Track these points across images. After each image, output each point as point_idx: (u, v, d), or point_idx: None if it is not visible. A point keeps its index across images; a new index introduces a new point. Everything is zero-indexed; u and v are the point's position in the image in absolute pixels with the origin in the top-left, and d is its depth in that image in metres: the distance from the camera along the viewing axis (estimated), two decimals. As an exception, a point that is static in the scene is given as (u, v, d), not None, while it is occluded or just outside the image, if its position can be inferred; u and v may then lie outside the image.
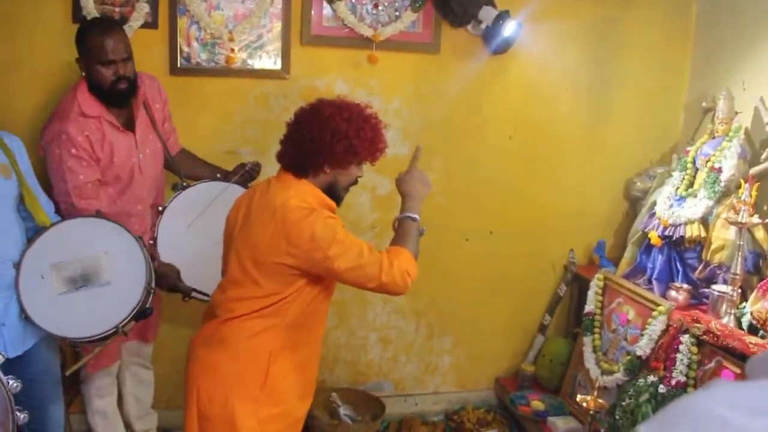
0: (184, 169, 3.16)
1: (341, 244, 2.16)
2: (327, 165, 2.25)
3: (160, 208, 3.03)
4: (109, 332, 2.59)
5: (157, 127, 3.07)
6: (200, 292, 2.91)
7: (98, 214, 2.79)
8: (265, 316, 2.23)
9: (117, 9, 3.28)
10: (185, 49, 3.43)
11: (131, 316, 2.60)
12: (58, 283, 2.54)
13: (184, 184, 3.10)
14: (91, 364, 3.06)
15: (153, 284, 2.69)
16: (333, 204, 2.32)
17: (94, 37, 2.79)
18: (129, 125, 2.97)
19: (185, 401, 2.30)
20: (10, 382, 2.15)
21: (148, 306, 2.68)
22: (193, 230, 3.02)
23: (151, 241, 2.98)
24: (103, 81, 2.81)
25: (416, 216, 2.44)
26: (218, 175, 3.13)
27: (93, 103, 2.84)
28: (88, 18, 3.17)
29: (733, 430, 0.74)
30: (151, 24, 3.34)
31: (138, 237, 2.66)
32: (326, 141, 2.21)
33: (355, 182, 2.40)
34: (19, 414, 2.16)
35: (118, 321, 2.58)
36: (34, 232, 2.57)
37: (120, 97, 2.88)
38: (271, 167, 2.74)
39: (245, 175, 3.11)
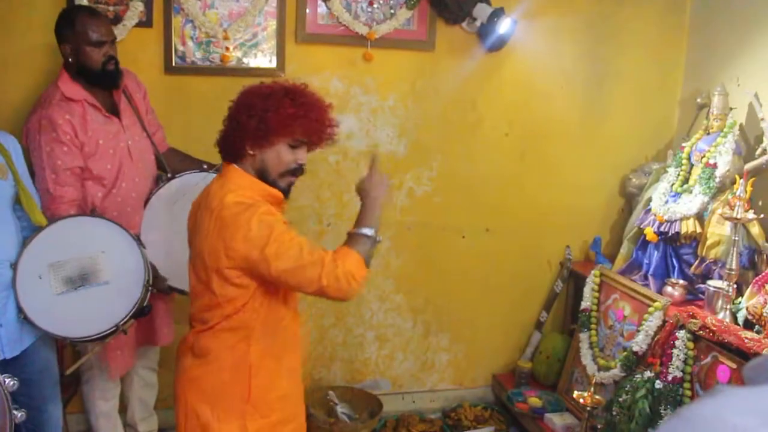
0: (171, 165, 3.13)
1: (278, 243, 2.02)
2: (248, 145, 2.12)
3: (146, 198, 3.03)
4: (109, 331, 2.59)
5: (141, 117, 3.04)
6: (178, 290, 2.93)
7: (94, 213, 2.79)
8: (233, 327, 2.14)
9: (111, 8, 3.28)
10: (180, 47, 3.42)
11: (131, 314, 2.61)
12: (57, 282, 2.54)
13: (169, 175, 3.08)
14: (113, 371, 3.04)
15: (151, 282, 2.69)
16: (277, 194, 2.18)
17: (84, 19, 2.80)
18: (113, 111, 2.95)
19: (176, 412, 2.25)
20: (7, 380, 2.14)
21: (146, 304, 2.68)
22: (176, 221, 2.94)
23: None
24: (93, 62, 2.81)
25: (369, 233, 2.19)
26: (204, 166, 3.09)
27: (76, 88, 2.83)
28: None
29: None
30: (145, 23, 3.34)
31: (136, 236, 2.66)
32: (240, 118, 2.11)
33: (298, 170, 2.20)
34: (16, 413, 2.16)
35: (117, 320, 2.59)
36: (29, 232, 2.56)
37: (110, 77, 2.88)
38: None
39: None
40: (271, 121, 2.08)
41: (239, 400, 2.17)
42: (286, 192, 2.21)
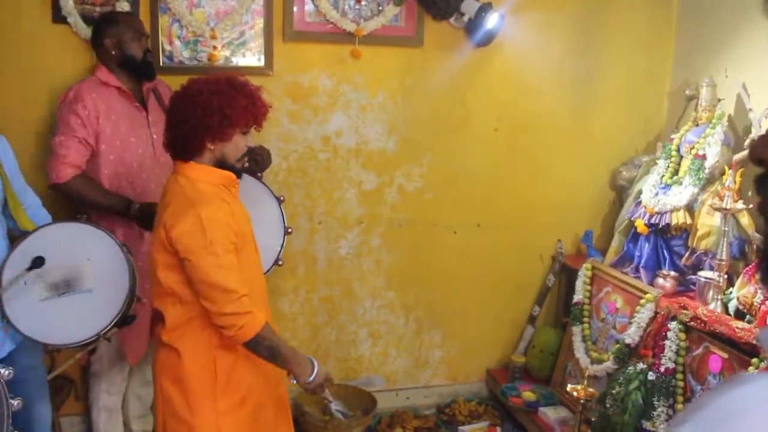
0: None
1: (204, 250, 2.11)
2: (208, 141, 2.20)
3: None
4: (90, 339, 2.58)
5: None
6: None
7: (82, 219, 2.79)
8: (192, 316, 2.22)
9: (97, 8, 3.28)
10: (167, 47, 3.42)
11: (113, 323, 2.59)
12: (41, 288, 2.52)
13: None
14: (130, 356, 3.12)
15: (136, 291, 2.67)
16: (231, 176, 2.29)
17: (127, 17, 3.11)
18: (142, 104, 3.13)
19: (154, 396, 2.33)
20: (2, 370, 2.15)
21: (130, 314, 2.66)
22: None
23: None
24: (135, 52, 3.04)
25: (315, 365, 2.35)
26: None
27: (111, 76, 3.04)
28: (68, 17, 3.22)
29: None
30: (132, 22, 3.33)
31: (122, 243, 2.66)
32: (199, 117, 2.16)
33: (248, 152, 2.33)
34: (12, 401, 2.17)
35: (99, 328, 2.57)
36: (18, 233, 2.55)
37: (149, 68, 3.10)
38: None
39: (255, 164, 3.09)
40: (233, 115, 2.18)
41: (208, 383, 2.24)
42: (241, 173, 2.34)
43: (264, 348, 2.22)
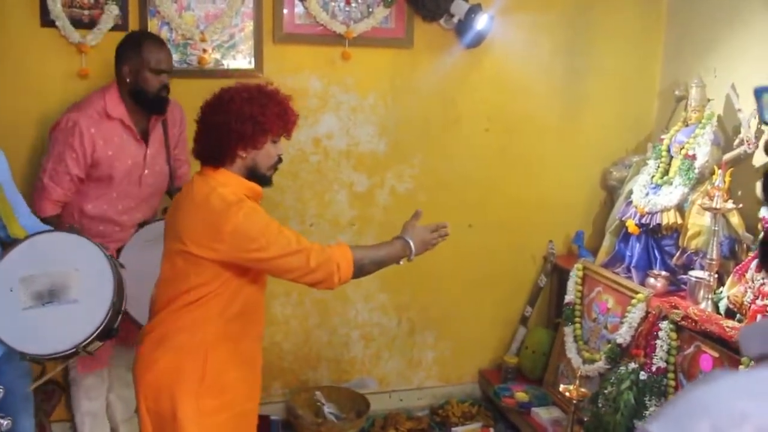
0: None
1: (266, 235, 2.17)
2: (240, 148, 2.23)
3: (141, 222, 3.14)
4: (71, 351, 2.53)
5: (169, 149, 3.16)
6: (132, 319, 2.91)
7: (72, 229, 2.79)
8: (196, 309, 2.24)
9: (86, 12, 3.28)
10: (157, 50, 3.41)
11: (94, 336, 2.53)
12: (25, 297, 2.47)
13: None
14: (82, 365, 3.10)
15: (123, 305, 2.63)
16: (258, 188, 2.32)
17: (152, 47, 3.01)
18: (144, 137, 3.10)
19: (136, 398, 2.32)
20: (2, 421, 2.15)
21: (115, 327, 2.61)
22: (154, 257, 2.97)
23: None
24: (151, 88, 2.99)
25: (410, 242, 2.40)
26: None
27: (119, 106, 3.01)
28: (56, 21, 3.21)
29: (755, 421, 0.72)
30: (121, 26, 3.32)
31: (110, 256, 2.63)
32: (233, 125, 2.19)
33: (279, 161, 2.36)
34: (2, 420, 2.16)
35: (80, 340, 2.51)
36: (8, 241, 2.53)
37: (160, 104, 3.05)
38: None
39: None
40: (267, 124, 2.21)
41: (194, 381, 2.24)
42: (270, 181, 2.35)
43: (369, 266, 2.32)
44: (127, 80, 2.99)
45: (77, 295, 2.53)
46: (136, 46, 2.99)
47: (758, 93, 2.67)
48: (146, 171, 3.09)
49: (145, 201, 3.17)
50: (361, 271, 2.30)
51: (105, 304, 2.55)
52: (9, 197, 2.54)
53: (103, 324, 2.53)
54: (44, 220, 2.84)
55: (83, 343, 2.51)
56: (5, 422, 2.19)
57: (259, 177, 2.30)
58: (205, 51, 3.47)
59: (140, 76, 2.97)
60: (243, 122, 2.19)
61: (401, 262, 2.43)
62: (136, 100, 3.02)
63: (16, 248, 2.48)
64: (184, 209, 2.26)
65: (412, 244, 2.40)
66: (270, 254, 2.17)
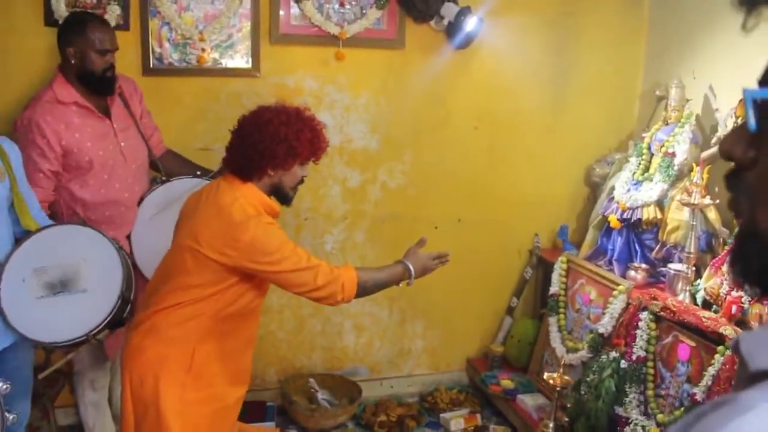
0: (167, 168, 3.25)
1: (281, 251, 2.27)
2: (270, 168, 2.33)
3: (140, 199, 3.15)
4: (81, 339, 2.61)
5: (136, 120, 3.15)
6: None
7: (82, 221, 2.85)
8: (191, 306, 2.31)
9: (77, 10, 3.29)
10: (157, 49, 3.49)
11: (103, 325, 2.61)
12: (38, 287, 2.55)
13: (163, 178, 3.20)
14: (108, 349, 3.13)
15: (131, 294, 2.70)
16: (277, 209, 2.43)
17: (96, 27, 2.94)
18: (105, 113, 3.06)
19: (121, 384, 2.39)
20: (0, 384, 2.22)
21: (124, 315, 2.69)
22: (165, 223, 3.08)
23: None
24: (95, 68, 2.94)
25: (411, 267, 2.54)
26: (198, 173, 3.21)
27: (69, 90, 2.95)
28: (60, 21, 3.22)
29: None
30: (122, 26, 3.38)
31: (119, 247, 2.70)
32: (267, 145, 2.29)
33: (302, 181, 2.47)
34: (8, 415, 2.22)
35: (89, 329, 2.60)
36: (20, 235, 2.61)
37: (107, 84, 3.00)
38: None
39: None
40: (299, 148, 2.32)
41: (181, 371, 2.32)
42: (290, 200, 2.49)
43: (372, 288, 2.47)
44: (72, 62, 2.94)
45: (87, 285, 2.62)
46: (81, 27, 2.93)
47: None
48: (123, 144, 3.07)
49: (137, 172, 3.14)
50: (364, 291, 2.43)
51: (114, 293, 2.64)
52: (22, 191, 2.61)
53: (113, 312, 2.62)
54: None
55: (94, 331, 2.60)
56: (11, 417, 2.25)
57: (281, 195, 2.43)
58: (203, 50, 3.54)
59: (86, 58, 2.93)
60: (277, 144, 2.28)
61: (401, 285, 2.58)
62: (83, 82, 2.97)
63: (29, 240, 2.56)
64: (205, 210, 2.33)
65: (412, 269, 2.54)
66: (281, 268, 2.28)
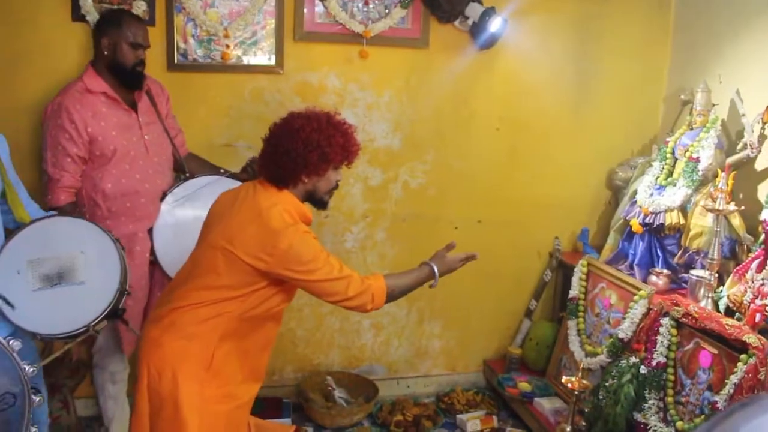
0: (191, 170, 3.28)
1: (316, 260, 2.29)
2: (304, 175, 2.35)
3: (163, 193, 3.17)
4: (80, 331, 2.59)
5: (162, 118, 3.19)
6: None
7: (78, 214, 2.86)
8: (217, 303, 2.31)
9: (115, 7, 3.35)
10: (182, 45, 3.51)
11: (102, 316, 2.61)
12: (34, 279, 2.53)
13: (187, 175, 3.24)
14: (125, 345, 3.17)
15: (126, 286, 2.69)
16: (310, 216, 2.44)
17: (131, 22, 3.06)
18: (132, 106, 3.13)
19: (137, 376, 2.38)
20: (26, 367, 2.23)
21: (120, 307, 2.69)
22: (187, 218, 3.10)
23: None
24: (126, 61, 3.04)
25: (435, 269, 2.57)
26: (222, 171, 3.25)
27: (99, 81, 3.04)
28: (87, 16, 3.30)
29: None
30: (148, 21, 3.40)
31: (116, 239, 2.69)
32: (300, 152, 2.30)
33: (336, 186, 2.48)
34: (35, 397, 2.24)
35: (89, 320, 2.58)
36: (14, 227, 2.57)
37: (136, 78, 3.09)
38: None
39: (250, 172, 3.20)
40: (331, 154, 2.33)
41: (200, 368, 2.32)
42: (326, 205, 2.49)
43: (399, 294, 2.51)
44: (105, 53, 3.03)
45: (84, 277, 2.60)
46: (117, 21, 3.05)
47: None
48: (147, 137, 3.12)
49: (159, 166, 3.18)
50: (392, 298, 2.48)
51: (113, 284, 2.64)
52: (12, 181, 2.59)
53: (112, 304, 2.61)
54: (60, 210, 2.91)
55: (93, 323, 2.59)
56: (37, 398, 2.26)
57: (316, 200, 2.45)
58: (228, 47, 3.56)
59: (118, 50, 3.02)
60: (310, 151, 2.30)
61: (426, 285, 2.61)
62: (113, 74, 3.06)
63: (22, 232, 2.53)
64: (241, 213, 2.34)
65: (437, 271, 2.56)
66: (315, 277, 2.30)
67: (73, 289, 2.59)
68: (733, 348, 2.77)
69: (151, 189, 3.13)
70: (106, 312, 2.61)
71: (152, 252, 3.13)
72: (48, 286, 2.56)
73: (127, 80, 3.08)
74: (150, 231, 3.14)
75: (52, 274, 2.56)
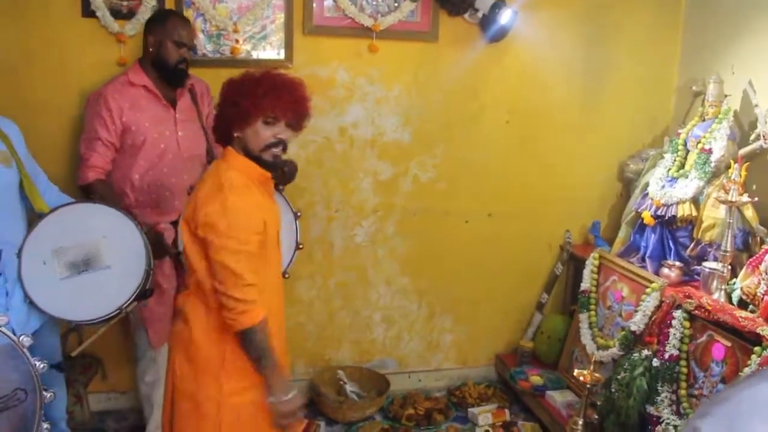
0: None
1: (228, 238, 2.16)
2: (232, 128, 2.28)
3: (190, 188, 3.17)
4: (113, 314, 2.66)
5: (201, 117, 3.22)
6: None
7: (96, 199, 2.89)
8: (206, 296, 2.27)
9: (125, 2, 3.38)
10: (192, 40, 3.51)
11: (133, 297, 2.67)
12: (61, 267, 2.59)
13: None
14: (153, 339, 3.20)
15: (152, 265, 2.74)
16: (265, 174, 2.32)
17: (176, 22, 3.16)
18: (171, 103, 3.21)
19: (166, 371, 2.41)
20: (38, 363, 2.25)
21: (148, 287, 2.75)
22: None
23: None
24: (170, 58, 3.13)
25: (280, 396, 2.27)
26: None
27: (141, 75, 3.16)
28: (97, 12, 3.34)
29: None
30: (157, 16, 3.41)
31: (137, 221, 2.73)
32: (222, 107, 2.30)
33: (277, 145, 2.29)
34: (46, 393, 2.26)
35: (120, 303, 2.65)
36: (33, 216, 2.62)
37: (178, 76, 3.18)
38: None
39: (280, 175, 3.16)
40: (245, 104, 2.24)
41: (215, 364, 2.30)
42: (271, 165, 2.33)
43: (256, 343, 2.22)
44: (150, 50, 3.13)
45: (110, 261, 2.66)
46: (163, 19, 3.16)
47: None
48: (180, 133, 3.19)
49: (190, 162, 3.23)
50: (252, 335, 2.22)
51: (140, 265, 2.69)
52: (29, 171, 2.62)
53: (140, 284, 2.67)
54: (87, 187, 3.02)
55: (125, 304, 2.65)
56: (48, 395, 2.28)
57: (255, 158, 2.30)
58: (237, 41, 3.57)
59: (162, 47, 3.11)
60: (229, 105, 2.27)
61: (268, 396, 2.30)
62: (157, 70, 3.16)
63: (42, 222, 2.58)
64: (207, 191, 2.26)
65: (294, 392, 2.31)
66: (219, 257, 2.17)
67: (101, 273, 2.65)
68: (747, 340, 2.76)
69: (177, 184, 3.19)
70: (136, 293, 2.67)
71: (175, 245, 3.14)
72: (75, 273, 2.62)
73: (170, 77, 3.17)
74: (175, 223, 3.15)
75: (78, 261, 2.62)
